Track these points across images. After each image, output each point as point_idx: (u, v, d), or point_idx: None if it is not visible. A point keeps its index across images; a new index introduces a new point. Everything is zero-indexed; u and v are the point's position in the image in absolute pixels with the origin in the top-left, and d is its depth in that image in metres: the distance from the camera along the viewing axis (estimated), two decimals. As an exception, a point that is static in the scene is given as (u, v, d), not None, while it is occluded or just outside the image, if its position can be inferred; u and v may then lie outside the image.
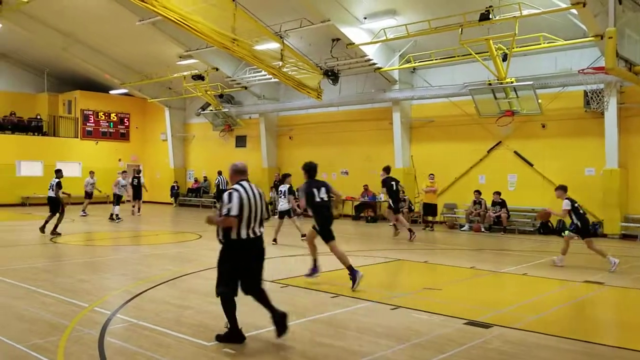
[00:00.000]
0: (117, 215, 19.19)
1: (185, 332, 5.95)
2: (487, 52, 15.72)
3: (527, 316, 6.87)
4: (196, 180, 28.05)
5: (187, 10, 13.75)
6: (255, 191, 5.64)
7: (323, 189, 8.61)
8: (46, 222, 14.86)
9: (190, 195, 27.74)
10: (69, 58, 25.16)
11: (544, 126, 17.52)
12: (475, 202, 18.01)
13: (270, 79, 20.79)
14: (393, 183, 14.54)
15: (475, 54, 16.04)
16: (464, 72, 18.42)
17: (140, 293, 7.79)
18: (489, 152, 18.76)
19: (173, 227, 17.65)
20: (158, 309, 6.94)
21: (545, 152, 17.53)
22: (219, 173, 23.74)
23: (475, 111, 17.75)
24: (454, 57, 17.30)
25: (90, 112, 28.94)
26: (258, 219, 5.58)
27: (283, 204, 13.60)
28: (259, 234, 5.60)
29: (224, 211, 5.38)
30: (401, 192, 15.46)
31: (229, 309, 5.54)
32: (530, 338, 5.93)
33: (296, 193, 12.96)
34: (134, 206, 21.87)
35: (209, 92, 24.07)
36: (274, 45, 17.00)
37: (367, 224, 19.85)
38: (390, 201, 14.60)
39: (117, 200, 19.61)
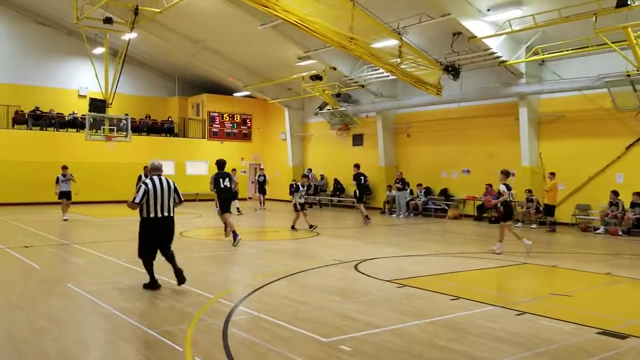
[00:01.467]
0: (237, 208, 20.95)
1: (302, 326, 6.09)
2: (625, 40, 14.41)
3: (676, 331, 6.20)
4: (308, 177, 28.61)
5: (305, 12, 14.08)
6: (165, 183, 7.83)
7: (227, 179, 12.74)
8: None
9: (309, 193, 28.39)
10: (197, 64, 26.91)
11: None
12: (611, 204, 16.62)
13: (388, 76, 20.70)
14: (362, 178, 18.49)
15: (612, 43, 14.78)
16: (598, 63, 17.05)
17: (261, 287, 8.10)
18: (627, 149, 17.18)
19: (290, 224, 18.16)
20: (277, 303, 7.17)
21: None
22: (309, 170, 24.56)
23: (611, 105, 16.36)
24: (587, 47, 16.07)
25: (216, 114, 30.73)
26: (165, 204, 7.78)
27: (300, 198, 15.77)
28: (165, 214, 7.80)
29: (133, 199, 7.67)
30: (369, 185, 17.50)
31: (148, 267, 7.95)
32: (679, 356, 5.35)
33: (298, 188, 16.06)
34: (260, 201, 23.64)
35: (326, 92, 24.48)
36: (391, 43, 16.88)
37: (490, 225, 19.08)
38: (357, 192, 18.26)
39: (234, 195, 20.86)
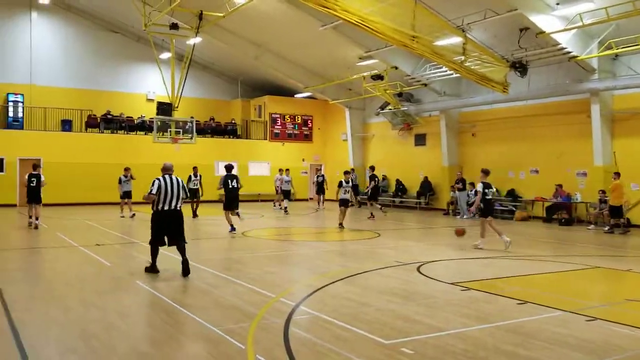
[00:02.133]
0: (285, 208, 22.16)
1: (363, 328, 6.09)
2: None
3: None
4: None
5: (366, 12, 14.06)
6: (175, 181, 9.10)
7: (234, 180, 15.00)
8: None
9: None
10: (259, 66, 27.41)
11: None
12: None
13: (452, 74, 20.34)
14: (376, 179, 21.10)
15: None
16: (680, 55, 16.08)
17: (322, 287, 8.16)
18: None
19: (349, 224, 18.20)
20: (338, 304, 7.20)
21: None
22: (372, 169, 24.51)
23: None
24: (666, 39, 15.19)
25: (278, 116, 31.18)
26: (174, 199, 9.02)
27: (344, 195, 16.45)
28: (173, 207, 9.05)
29: (149, 191, 8.93)
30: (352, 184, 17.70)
31: (153, 252, 9.19)
32: None
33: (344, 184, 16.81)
34: (318, 201, 24.38)
35: (388, 91, 24.33)
36: (455, 40, 16.58)
37: (560, 226, 18.38)
38: (371, 191, 20.25)
39: (285, 195, 22.59)
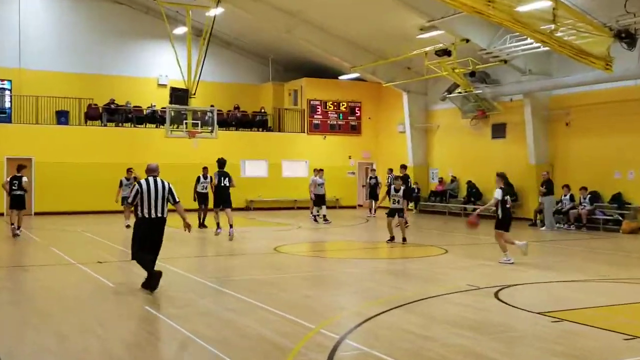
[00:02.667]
0: (324, 216, 22.24)
1: (426, 367, 6.04)
2: None
3: None
4: (441, 181, 28.32)
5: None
6: (159, 185, 9.75)
7: (227, 178, 17.07)
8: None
9: (433, 200, 28.10)
10: (294, 42, 27.58)
11: None
12: None
13: (539, 47, 20.00)
14: (410, 180, 21.63)
15: None
16: None
17: (373, 316, 8.12)
18: None
19: (411, 238, 17.99)
20: (394, 337, 7.16)
21: None
22: (390, 171, 24.86)
23: None
24: None
25: (318, 103, 31.31)
26: (159, 204, 9.67)
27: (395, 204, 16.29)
28: (159, 215, 9.71)
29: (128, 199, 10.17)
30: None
31: (144, 264, 9.68)
32: None
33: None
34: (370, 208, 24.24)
35: (456, 71, 24.09)
36: (543, 4, 16.30)
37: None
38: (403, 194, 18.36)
39: (320, 200, 22.58)
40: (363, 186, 30.80)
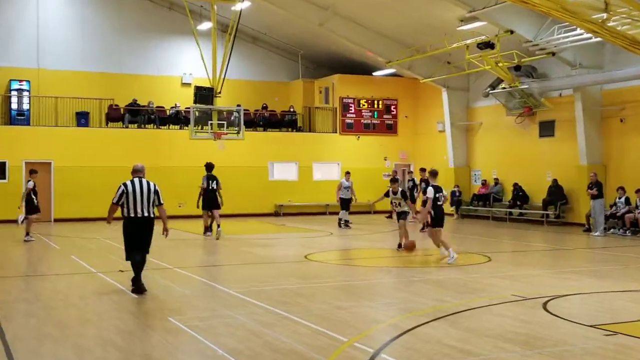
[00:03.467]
0: (346, 221, 22.80)
1: (467, 384, 6.00)
2: None
3: None
4: (484, 184, 28.09)
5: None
6: (144, 185, 10.59)
7: (214, 182, 19.27)
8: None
9: (476, 204, 27.87)
10: (325, 35, 27.64)
11: None
12: None
13: (590, 38, 19.76)
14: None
15: None
16: None
17: (410, 329, 8.09)
18: None
19: (453, 245, 17.89)
20: (433, 351, 7.12)
21: None
22: (395, 173, 24.53)
23: None
24: None
25: (351, 100, 31.30)
26: (144, 204, 10.48)
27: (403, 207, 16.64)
28: (145, 214, 10.51)
29: (112, 199, 10.61)
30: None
31: (133, 266, 10.55)
32: None
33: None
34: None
35: (500, 64, 23.89)
36: (593, -10, 16.09)
37: None
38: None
39: (346, 205, 22.93)
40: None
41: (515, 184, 26.11)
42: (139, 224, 10.50)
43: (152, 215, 10.61)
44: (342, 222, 23.00)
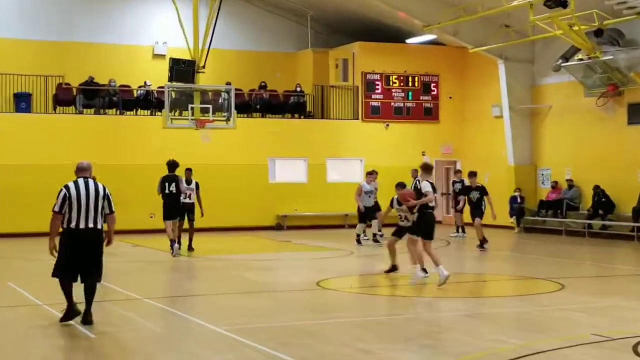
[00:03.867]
0: (376, 235, 22.85)
1: None
2: None
3: None
4: (555, 186, 27.95)
5: None
6: (92, 187, 10.67)
7: (173, 184, 19.51)
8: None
9: (544, 213, 27.70)
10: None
11: None
12: None
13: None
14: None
15: None
16: None
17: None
18: None
19: (513, 268, 17.83)
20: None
21: None
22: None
23: None
24: None
25: (377, 77, 31.28)
26: (91, 213, 10.55)
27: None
28: (91, 226, 10.54)
29: (53, 207, 10.58)
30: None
31: (65, 289, 10.71)
32: None
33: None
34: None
35: (576, 29, 23.80)
36: None
37: None
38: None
39: (370, 214, 22.69)
40: (443, 194, 30.59)
41: (596, 187, 26.04)
42: (84, 238, 10.59)
43: (100, 227, 10.74)
44: (364, 237, 23.02)
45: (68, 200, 10.48)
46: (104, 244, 10.95)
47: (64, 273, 10.65)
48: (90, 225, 10.54)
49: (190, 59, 23.53)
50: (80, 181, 10.67)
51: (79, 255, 10.54)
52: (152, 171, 24.62)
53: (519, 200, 28.12)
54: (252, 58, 32.05)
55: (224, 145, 27.13)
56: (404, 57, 31.71)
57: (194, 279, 16.77)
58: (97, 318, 11.82)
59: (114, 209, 10.90)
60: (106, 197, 10.75)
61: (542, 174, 29.15)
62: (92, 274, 10.68)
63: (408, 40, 31.25)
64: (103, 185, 10.86)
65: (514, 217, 28.08)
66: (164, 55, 28.98)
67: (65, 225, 10.57)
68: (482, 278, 15.95)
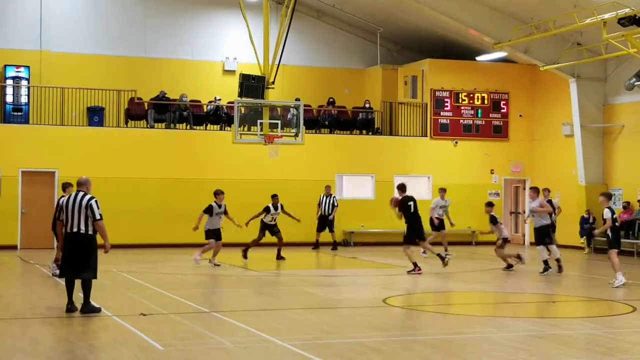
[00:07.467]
0: (443, 257, 21.80)
1: None
2: None
3: None
4: (627, 207, 27.52)
5: None
6: (78, 198, 12.73)
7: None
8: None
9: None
10: (412, 8, 27.68)
11: None
12: None
13: None
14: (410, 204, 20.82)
15: None
16: None
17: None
18: None
19: (584, 290, 17.54)
20: None
21: None
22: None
23: None
24: None
25: (446, 94, 31.19)
26: (75, 220, 12.62)
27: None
28: (74, 230, 12.66)
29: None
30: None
31: (68, 287, 12.86)
32: None
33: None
34: None
35: (650, 46, 23.50)
36: None
37: None
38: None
39: (438, 228, 23.48)
40: (511, 213, 30.29)
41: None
42: (72, 240, 12.74)
43: (85, 231, 12.74)
44: (442, 258, 22.66)
45: (61, 209, 12.97)
46: (104, 251, 12.87)
47: (66, 273, 13.03)
48: (75, 229, 12.71)
49: (260, 74, 23.71)
50: (73, 194, 13.02)
51: (71, 253, 12.83)
52: (222, 186, 24.81)
53: (590, 220, 27.71)
54: (321, 74, 32.17)
55: (292, 161, 27.23)
56: (474, 74, 31.56)
57: (261, 295, 16.82)
58: (165, 331, 11.99)
59: (98, 217, 12.74)
60: (88, 206, 12.68)
61: (614, 194, 28.68)
62: (82, 270, 12.78)
63: (478, 58, 31.07)
64: (90, 197, 12.83)
65: (584, 237, 27.68)
66: (234, 71, 29.26)
67: (63, 231, 12.90)
68: (552, 299, 15.70)
